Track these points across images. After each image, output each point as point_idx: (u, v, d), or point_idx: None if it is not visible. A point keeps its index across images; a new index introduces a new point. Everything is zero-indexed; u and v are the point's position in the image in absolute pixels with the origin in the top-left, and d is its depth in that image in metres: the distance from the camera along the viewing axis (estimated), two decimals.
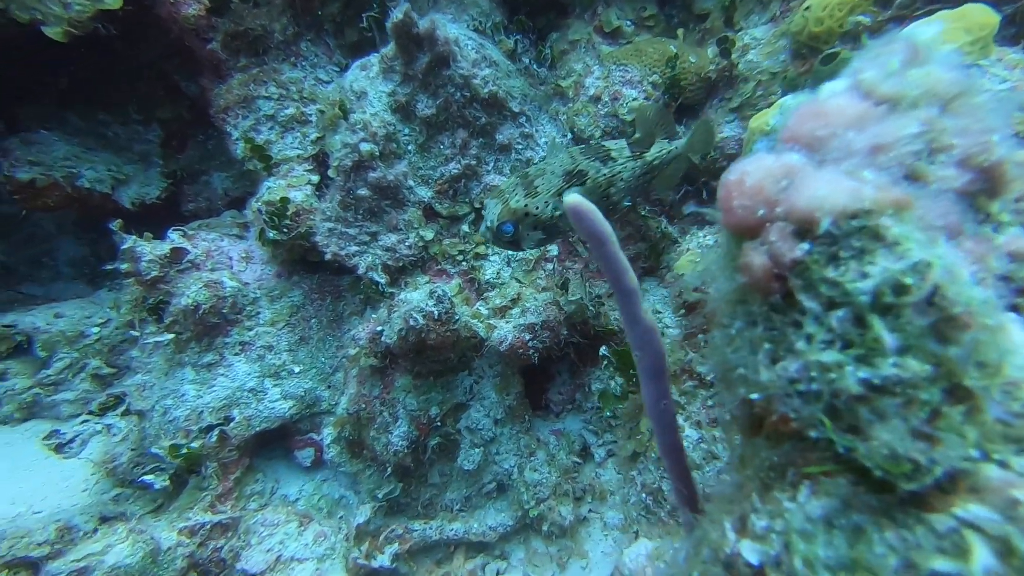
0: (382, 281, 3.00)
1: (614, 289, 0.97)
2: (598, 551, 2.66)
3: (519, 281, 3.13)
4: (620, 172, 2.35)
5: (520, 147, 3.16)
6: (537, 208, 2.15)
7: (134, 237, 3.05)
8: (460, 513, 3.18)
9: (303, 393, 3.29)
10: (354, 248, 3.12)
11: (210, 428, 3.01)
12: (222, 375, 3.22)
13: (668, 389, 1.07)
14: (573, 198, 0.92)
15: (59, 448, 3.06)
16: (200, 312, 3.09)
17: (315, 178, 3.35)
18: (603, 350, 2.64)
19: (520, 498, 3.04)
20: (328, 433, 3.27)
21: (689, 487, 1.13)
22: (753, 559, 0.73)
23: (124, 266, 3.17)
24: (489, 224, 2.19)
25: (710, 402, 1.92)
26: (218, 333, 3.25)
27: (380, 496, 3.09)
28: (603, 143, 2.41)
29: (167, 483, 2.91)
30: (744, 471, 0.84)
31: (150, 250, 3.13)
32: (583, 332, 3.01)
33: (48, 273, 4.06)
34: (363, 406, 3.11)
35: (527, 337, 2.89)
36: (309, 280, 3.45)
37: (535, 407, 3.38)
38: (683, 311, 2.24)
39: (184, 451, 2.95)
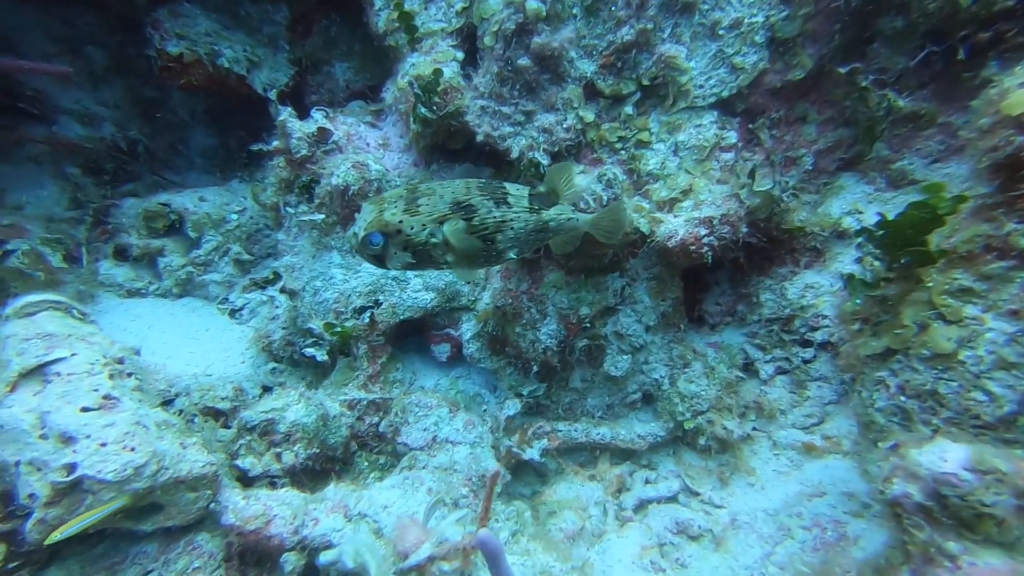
0: (545, 162, 2.94)
1: None
2: (768, 469, 2.64)
3: (689, 172, 2.95)
4: (511, 220, 2.25)
5: (707, 7, 2.84)
6: (412, 229, 2.08)
7: (289, 109, 3.19)
8: (603, 420, 3.27)
9: (444, 286, 3.43)
10: (508, 128, 3.07)
11: (363, 309, 3.25)
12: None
13: None
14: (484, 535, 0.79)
15: (233, 314, 3.45)
16: (349, 193, 3.23)
17: (460, 54, 3.28)
18: (855, 223, 2.42)
19: (674, 409, 3.06)
20: (468, 328, 3.42)
21: None
22: None
23: (276, 142, 3.36)
24: (356, 230, 2.11)
25: None
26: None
27: (525, 393, 3.24)
28: (503, 185, 2.31)
29: (326, 357, 3.20)
30: None
31: (299, 127, 3.27)
32: (765, 231, 2.82)
33: (183, 162, 4.44)
34: (509, 301, 3.20)
35: (702, 232, 2.75)
36: (448, 170, 3.48)
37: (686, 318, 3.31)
38: (1002, 170, 1.86)
39: (339, 329, 3.22)
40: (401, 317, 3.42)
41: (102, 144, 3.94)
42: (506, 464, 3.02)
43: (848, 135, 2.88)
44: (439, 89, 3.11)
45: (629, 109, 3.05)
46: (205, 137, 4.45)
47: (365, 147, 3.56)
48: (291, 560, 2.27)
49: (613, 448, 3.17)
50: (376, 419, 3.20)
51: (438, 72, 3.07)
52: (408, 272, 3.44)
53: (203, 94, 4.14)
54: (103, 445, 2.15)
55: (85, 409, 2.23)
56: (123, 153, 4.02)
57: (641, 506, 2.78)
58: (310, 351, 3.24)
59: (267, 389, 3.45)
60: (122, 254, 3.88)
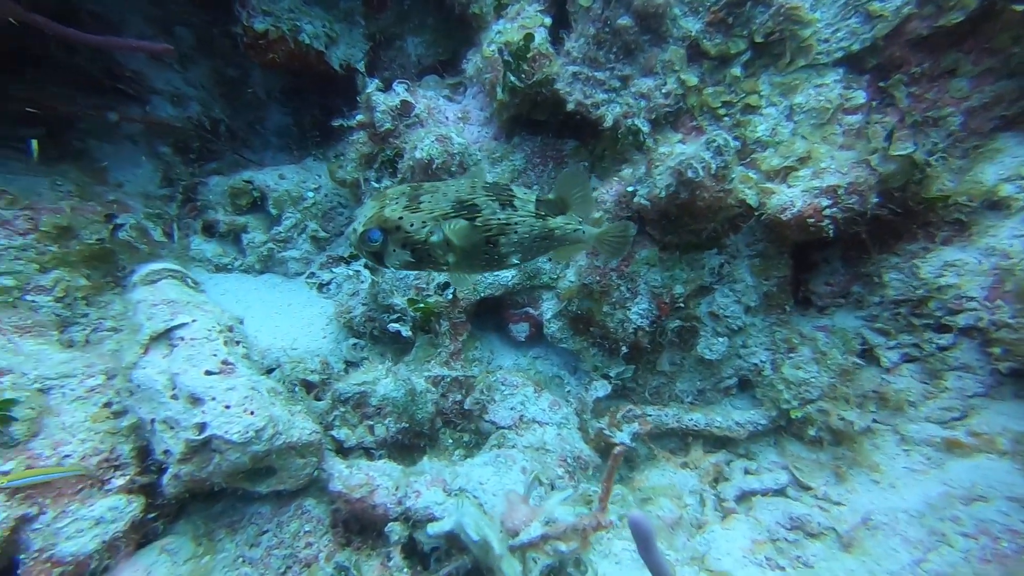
0: (645, 129, 2.83)
1: None
2: (897, 466, 2.47)
3: (806, 137, 2.76)
4: (516, 224, 2.20)
5: None
6: (412, 226, 2.04)
7: (377, 81, 3.23)
8: (694, 405, 3.19)
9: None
10: (601, 95, 2.98)
11: (446, 285, 3.28)
12: None
13: None
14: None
15: (320, 288, 3.60)
16: (433, 167, 3.25)
17: (548, 20, 3.19)
18: (1016, 191, 2.19)
19: (778, 396, 2.93)
20: (550, 307, 3.40)
21: None
22: None
23: (359, 116, 3.42)
24: (356, 226, 2.09)
25: None
26: None
27: (612, 375, 3.19)
28: (510, 187, 2.27)
29: (411, 333, 3.28)
30: None
31: (384, 100, 3.31)
32: (900, 201, 2.60)
33: (259, 140, 4.63)
34: (596, 278, 3.14)
35: (824, 203, 2.58)
36: (531, 143, 3.44)
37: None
38: None
39: (421, 305, 3.28)
40: (482, 294, 3.45)
41: (189, 123, 4.16)
42: (595, 447, 3.01)
43: (1013, 88, 2.55)
44: (528, 56, 3.05)
45: (737, 70, 2.88)
46: (280, 116, 4.60)
47: (444, 120, 3.57)
48: (396, 530, 2.36)
49: (707, 435, 3.08)
50: (459, 396, 3.26)
51: (529, 37, 3.00)
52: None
53: (281, 72, 4.27)
54: (227, 407, 2.30)
55: (208, 372, 2.39)
56: (207, 132, 4.23)
57: (744, 497, 2.70)
58: (394, 326, 3.33)
59: (350, 363, 3.59)
60: (210, 230, 4.11)
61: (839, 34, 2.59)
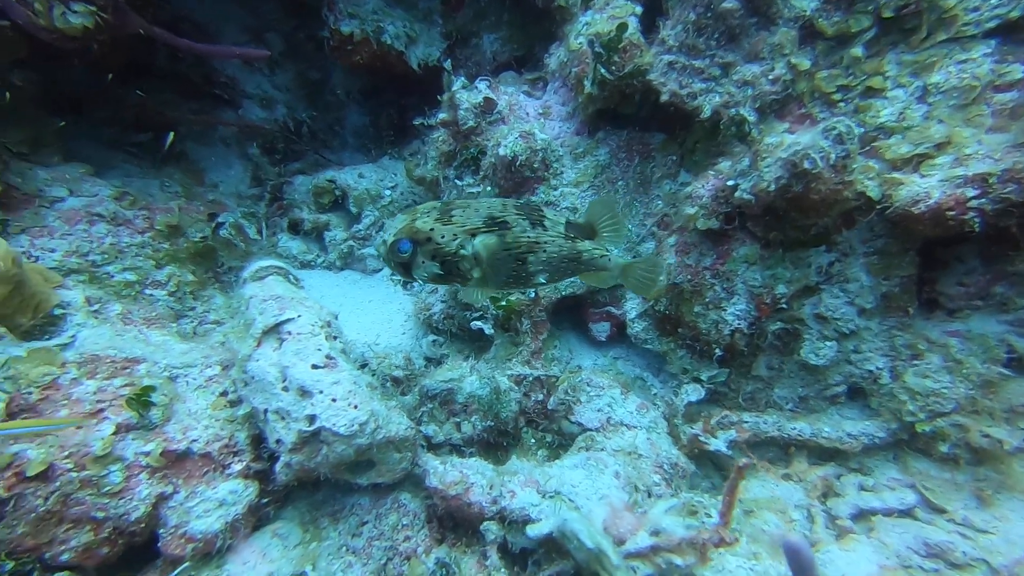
0: (752, 118, 2.70)
1: None
2: None
3: (945, 121, 2.52)
4: (545, 244, 2.27)
5: None
6: (443, 238, 2.11)
7: (463, 79, 3.28)
8: (796, 413, 3.02)
9: None
10: (699, 85, 2.87)
11: None
12: None
13: None
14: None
15: (405, 285, 3.73)
16: (517, 164, 3.26)
17: (639, 8, 3.11)
18: None
19: (899, 408, 2.71)
20: (634, 306, 3.34)
21: None
22: None
23: (442, 115, 3.49)
24: (385, 236, 2.12)
25: None
26: (525, 189, 3.44)
27: (704, 379, 3.09)
28: (541, 208, 2.35)
29: (494, 331, 3.32)
30: None
31: (467, 98, 3.36)
32: None
33: (337, 141, 4.84)
34: (688, 277, 3.04)
35: (969, 193, 2.34)
36: (616, 137, 3.38)
37: None
38: None
39: (504, 303, 3.31)
40: (563, 293, 3.44)
41: (276, 125, 4.42)
42: (688, 453, 2.92)
43: None
44: (620, 46, 2.99)
45: (858, 50, 2.67)
46: (358, 116, 4.80)
47: (525, 117, 3.57)
48: (492, 529, 2.40)
49: (812, 446, 2.92)
50: (541, 396, 3.27)
51: (622, 27, 2.94)
52: None
53: (362, 73, 4.44)
54: (334, 400, 2.43)
55: (315, 366, 2.53)
56: (292, 133, 4.49)
57: (861, 516, 2.53)
58: (477, 324, 3.39)
59: (430, 360, 3.69)
60: (295, 228, 4.36)
61: (993, 0, 2.34)
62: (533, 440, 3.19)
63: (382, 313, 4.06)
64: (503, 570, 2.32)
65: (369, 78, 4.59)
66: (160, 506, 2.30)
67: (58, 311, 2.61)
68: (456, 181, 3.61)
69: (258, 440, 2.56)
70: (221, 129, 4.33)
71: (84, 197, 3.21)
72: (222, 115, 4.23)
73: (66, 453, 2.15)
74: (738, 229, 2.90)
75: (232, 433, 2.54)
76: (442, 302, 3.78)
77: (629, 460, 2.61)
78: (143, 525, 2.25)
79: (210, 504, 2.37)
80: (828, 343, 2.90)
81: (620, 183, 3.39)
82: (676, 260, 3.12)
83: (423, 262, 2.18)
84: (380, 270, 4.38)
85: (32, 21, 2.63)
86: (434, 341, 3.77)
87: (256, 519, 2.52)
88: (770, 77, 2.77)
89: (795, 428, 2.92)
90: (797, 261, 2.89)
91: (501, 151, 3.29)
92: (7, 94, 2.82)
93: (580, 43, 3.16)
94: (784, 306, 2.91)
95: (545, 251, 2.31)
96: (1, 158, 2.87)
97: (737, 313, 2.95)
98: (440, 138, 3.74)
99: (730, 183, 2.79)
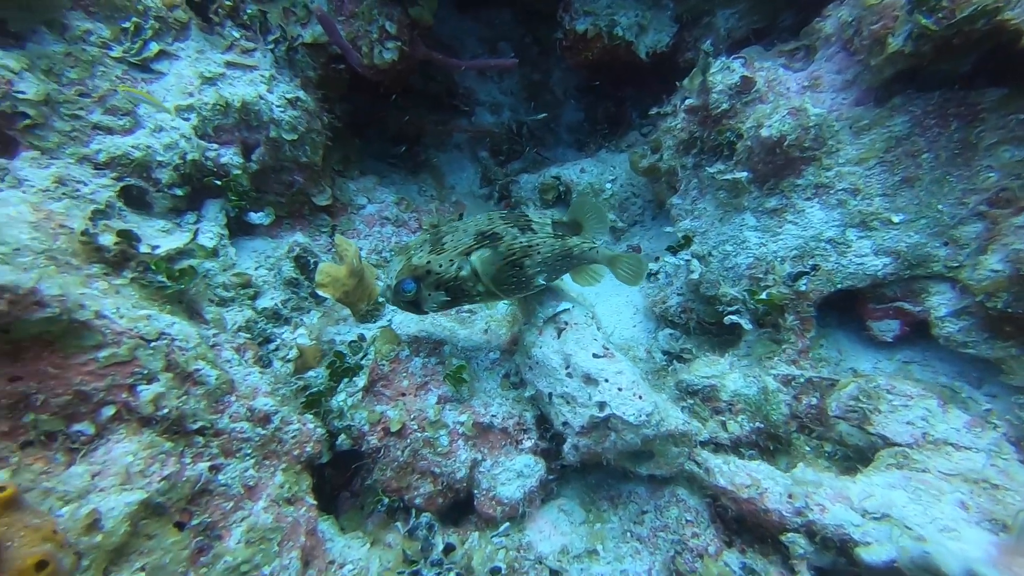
0: None
1: None
2: None
3: None
4: (538, 245, 2.47)
5: None
6: (440, 266, 2.27)
7: (723, 59, 3.11)
8: None
9: (905, 249, 2.87)
10: None
11: (798, 275, 3.01)
12: (790, 222, 3.15)
13: None
14: None
15: (648, 277, 3.77)
16: (784, 144, 2.98)
17: None
18: None
19: None
20: (946, 301, 2.80)
21: None
22: None
23: (690, 100, 3.36)
24: (388, 282, 2.32)
25: None
26: (788, 173, 3.14)
27: None
28: (526, 212, 2.62)
29: (751, 325, 3.12)
30: None
31: (722, 79, 3.17)
32: None
33: (552, 138, 5.06)
34: None
35: None
36: (922, 101, 2.85)
37: None
38: None
39: (764, 296, 3.07)
40: (839, 286, 3.05)
41: (503, 128, 4.80)
42: None
43: None
44: None
45: None
46: (574, 112, 4.95)
47: (786, 92, 3.23)
48: (801, 544, 2.24)
49: None
50: (814, 399, 2.96)
51: None
52: (848, 233, 3.02)
53: (587, 69, 4.55)
54: (620, 389, 2.52)
55: (595, 355, 2.66)
56: (515, 135, 4.82)
57: None
58: (733, 318, 3.21)
59: (667, 354, 3.64)
60: None
61: None
62: (808, 448, 2.91)
63: (610, 306, 4.14)
64: None
65: (589, 74, 4.69)
66: (474, 470, 2.67)
67: (381, 299, 3.19)
68: (698, 170, 3.45)
69: (541, 421, 2.80)
70: (456, 136, 4.87)
71: (377, 204, 3.90)
72: (459, 123, 4.76)
73: (412, 416, 2.63)
74: None
75: (521, 412, 2.82)
76: (678, 295, 3.69)
77: (977, 489, 2.19)
78: (464, 484, 2.63)
79: (510, 474, 2.67)
80: None
81: (925, 156, 2.85)
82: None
83: (429, 295, 2.32)
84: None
85: (360, 61, 3.25)
86: (671, 335, 3.71)
87: (544, 494, 2.77)
88: None
89: None
90: None
91: (764, 132, 3.03)
92: (338, 124, 3.53)
93: None
94: None
95: (539, 252, 2.48)
96: (331, 176, 3.65)
97: None
98: (678, 126, 3.61)
99: None
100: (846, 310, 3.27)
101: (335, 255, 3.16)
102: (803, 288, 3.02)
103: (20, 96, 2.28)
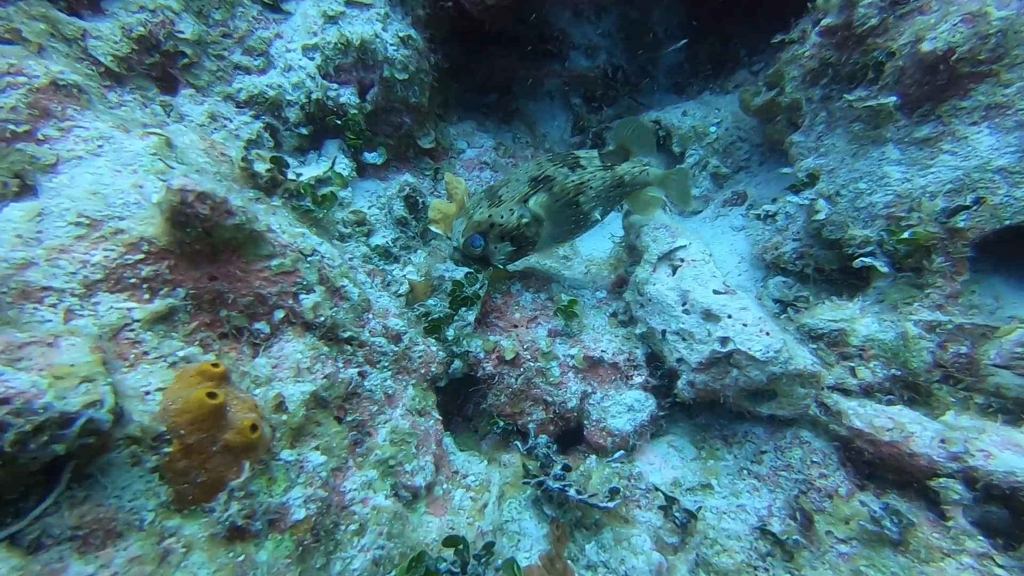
0: None
1: None
2: None
3: None
4: (589, 180, 2.57)
5: None
6: (502, 217, 2.42)
7: None
8: None
9: None
10: None
11: (954, 211, 2.67)
12: (947, 152, 2.78)
13: None
14: None
15: (763, 218, 3.56)
16: (952, 59, 2.60)
17: None
18: None
19: None
20: None
21: None
22: None
23: (829, 19, 3.03)
24: (456, 243, 2.46)
25: None
26: (950, 95, 2.75)
27: None
28: (573, 151, 2.66)
29: (888, 268, 2.84)
30: None
31: None
32: None
33: (649, 82, 4.79)
34: None
35: None
36: None
37: None
38: None
39: (909, 235, 2.77)
40: (1007, 222, 2.68)
41: (598, 72, 4.61)
42: None
43: None
44: None
45: None
46: (674, 54, 4.64)
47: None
48: (957, 489, 2.07)
49: None
50: (964, 348, 2.67)
51: None
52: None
53: (686, 3, 4.23)
54: (745, 325, 2.42)
55: (716, 292, 2.56)
56: (610, 79, 4.62)
57: None
58: (866, 260, 2.94)
59: (779, 302, 3.42)
60: None
61: None
62: (953, 399, 2.65)
63: (714, 252, 3.94)
64: (980, 538, 1.98)
65: (691, 8, 4.35)
66: (584, 401, 2.70)
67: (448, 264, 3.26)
68: (827, 102, 3.12)
69: (652, 358, 2.76)
70: (547, 83, 4.76)
71: (476, 148, 3.93)
72: (552, 67, 4.63)
73: (524, 346, 2.69)
74: None
75: (631, 349, 2.79)
76: (794, 240, 3.43)
77: None
78: (575, 415, 2.68)
79: (621, 407, 2.68)
80: None
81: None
82: None
83: (496, 247, 2.45)
84: (700, 212, 4.25)
85: None
86: (784, 282, 3.48)
87: (654, 429, 2.76)
88: None
89: None
90: None
91: (926, 46, 2.66)
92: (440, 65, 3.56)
93: None
94: None
95: (592, 187, 2.56)
96: (434, 119, 3.72)
97: None
98: (806, 53, 3.27)
99: None
100: (1005, 254, 2.88)
101: (447, 193, 3.24)
102: (961, 225, 2.68)
103: (180, 36, 2.51)
